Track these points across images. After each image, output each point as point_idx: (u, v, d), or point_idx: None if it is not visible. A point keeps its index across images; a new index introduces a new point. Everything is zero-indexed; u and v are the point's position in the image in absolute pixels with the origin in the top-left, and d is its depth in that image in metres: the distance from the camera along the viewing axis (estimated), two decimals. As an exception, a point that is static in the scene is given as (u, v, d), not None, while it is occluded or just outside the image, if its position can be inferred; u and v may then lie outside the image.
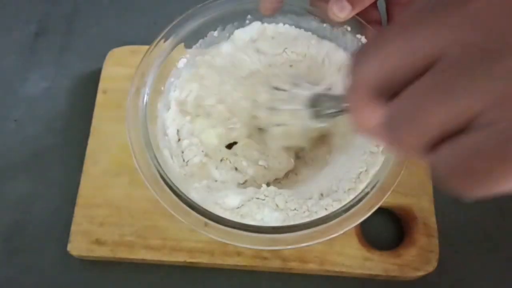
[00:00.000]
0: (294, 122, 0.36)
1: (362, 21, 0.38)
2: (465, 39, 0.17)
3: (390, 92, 0.19)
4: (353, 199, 0.34)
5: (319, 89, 0.36)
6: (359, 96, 0.20)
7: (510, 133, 0.16)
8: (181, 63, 0.40)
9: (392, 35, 0.19)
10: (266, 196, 0.36)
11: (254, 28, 0.42)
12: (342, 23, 0.38)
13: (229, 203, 0.35)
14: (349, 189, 0.35)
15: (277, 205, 0.35)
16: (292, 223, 0.34)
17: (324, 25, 0.40)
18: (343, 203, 0.34)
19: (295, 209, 0.35)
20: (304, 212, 0.34)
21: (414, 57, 0.18)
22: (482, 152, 0.16)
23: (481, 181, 0.16)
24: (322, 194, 0.36)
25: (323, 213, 0.34)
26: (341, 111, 0.32)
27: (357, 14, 0.36)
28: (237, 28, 0.41)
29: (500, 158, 0.16)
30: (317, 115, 0.34)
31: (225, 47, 0.41)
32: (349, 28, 0.39)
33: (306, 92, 0.35)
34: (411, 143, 0.18)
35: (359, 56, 0.20)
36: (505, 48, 0.16)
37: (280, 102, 0.37)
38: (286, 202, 0.35)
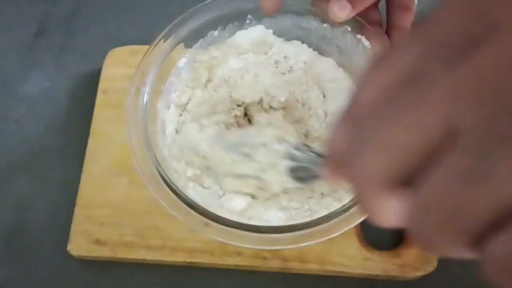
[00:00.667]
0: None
1: (363, 21, 0.38)
2: (475, 111, 0.14)
3: (405, 178, 0.16)
4: (353, 198, 0.34)
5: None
6: (373, 191, 0.17)
7: None
8: (181, 62, 0.40)
9: (382, 118, 0.16)
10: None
11: (257, 31, 0.42)
12: (342, 23, 0.38)
13: (235, 206, 0.35)
14: (349, 189, 0.35)
15: (281, 204, 0.35)
16: (294, 222, 0.34)
17: (325, 25, 0.40)
18: (343, 202, 0.34)
19: (297, 207, 0.35)
20: (306, 211, 0.34)
21: (427, 137, 0.15)
22: None
23: None
24: (322, 193, 0.36)
25: (324, 212, 0.34)
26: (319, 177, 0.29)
27: (358, 15, 0.37)
28: (238, 28, 0.41)
29: None
30: (296, 177, 0.31)
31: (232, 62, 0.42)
32: (349, 28, 0.39)
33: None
34: (453, 240, 0.15)
35: (356, 146, 0.17)
36: None
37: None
38: (290, 200, 0.36)
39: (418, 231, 0.16)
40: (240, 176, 0.34)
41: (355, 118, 0.18)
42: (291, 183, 0.32)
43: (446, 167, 0.14)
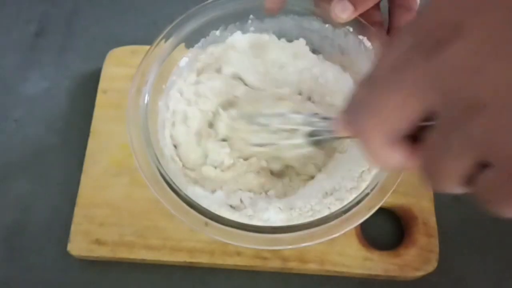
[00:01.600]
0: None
1: (364, 22, 0.38)
2: (441, 98, 0.19)
3: (403, 136, 0.22)
4: (353, 199, 0.34)
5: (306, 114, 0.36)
6: (378, 145, 0.23)
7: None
8: (183, 62, 0.40)
9: (380, 94, 0.22)
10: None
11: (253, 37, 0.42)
12: (344, 24, 0.38)
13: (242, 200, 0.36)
14: (351, 188, 0.35)
15: (283, 203, 0.36)
16: (296, 222, 0.34)
17: (326, 25, 0.40)
18: (345, 202, 0.34)
19: (299, 208, 0.35)
20: (307, 211, 0.34)
21: (411, 118, 0.21)
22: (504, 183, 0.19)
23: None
24: (326, 193, 0.36)
25: (326, 212, 0.34)
26: (335, 138, 0.33)
27: (360, 15, 0.37)
28: (240, 28, 0.41)
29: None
30: (313, 141, 0.35)
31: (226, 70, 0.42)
32: (351, 29, 0.39)
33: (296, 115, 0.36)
34: (450, 181, 0.21)
35: (363, 107, 0.23)
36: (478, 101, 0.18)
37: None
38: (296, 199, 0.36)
39: (427, 176, 0.22)
40: (256, 145, 0.37)
41: (368, 84, 0.23)
42: (305, 148, 0.35)
43: (433, 136, 0.21)
